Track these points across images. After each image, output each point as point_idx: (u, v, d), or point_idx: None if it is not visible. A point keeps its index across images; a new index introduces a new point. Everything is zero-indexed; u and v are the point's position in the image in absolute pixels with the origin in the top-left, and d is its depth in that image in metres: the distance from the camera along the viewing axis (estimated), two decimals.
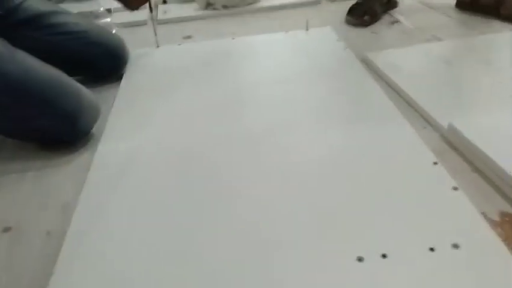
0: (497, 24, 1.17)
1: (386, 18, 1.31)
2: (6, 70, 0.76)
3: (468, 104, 0.81)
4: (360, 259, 0.53)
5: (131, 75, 1.07)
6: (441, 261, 0.52)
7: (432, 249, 0.54)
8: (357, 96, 0.89)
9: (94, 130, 0.87)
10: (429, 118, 0.79)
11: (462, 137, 0.70)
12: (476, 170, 0.67)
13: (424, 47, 1.08)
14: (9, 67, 0.77)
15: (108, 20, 1.18)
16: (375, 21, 1.28)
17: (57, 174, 0.77)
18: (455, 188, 0.63)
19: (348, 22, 1.29)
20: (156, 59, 1.16)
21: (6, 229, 0.66)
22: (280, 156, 0.74)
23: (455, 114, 0.77)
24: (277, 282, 0.52)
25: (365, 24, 1.26)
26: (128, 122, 0.89)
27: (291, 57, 1.09)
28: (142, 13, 1.50)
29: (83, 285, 0.55)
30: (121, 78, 1.06)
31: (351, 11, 1.29)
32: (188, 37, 1.31)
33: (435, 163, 0.68)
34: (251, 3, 1.49)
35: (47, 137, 0.84)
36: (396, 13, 1.33)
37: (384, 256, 0.54)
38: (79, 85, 0.84)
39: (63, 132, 0.82)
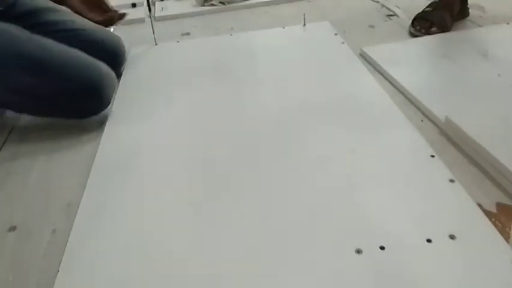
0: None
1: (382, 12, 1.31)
2: (27, 51, 0.82)
3: (465, 96, 0.82)
4: (358, 251, 0.55)
5: (130, 73, 1.08)
6: (438, 252, 0.54)
7: (429, 241, 0.55)
8: (354, 90, 0.89)
9: (95, 127, 0.88)
10: (427, 111, 0.80)
11: (459, 129, 0.71)
12: (473, 162, 0.68)
13: (421, 40, 1.08)
14: (29, 48, 0.82)
15: None
16: (447, 31, 1.11)
17: (61, 171, 0.78)
18: (452, 180, 0.64)
19: (412, 35, 1.13)
20: (155, 56, 1.17)
21: (12, 228, 0.67)
22: (280, 151, 0.75)
23: (452, 107, 0.78)
24: (277, 274, 0.54)
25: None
26: (129, 119, 0.90)
27: (288, 52, 1.10)
28: (140, 11, 1.51)
29: (89, 281, 0.56)
30: (120, 76, 1.06)
31: (416, 21, 1.13)
32: (187, 34, 1.32)
33: (432, 156, 0.69)
34: None
35: (74, 110, 0.89)
36: (392, 6, 1.33)
37: (382, 248, 0.55)
38: (93, 58, 0.89)
39: (89, 102, 0.87)
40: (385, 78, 0.94)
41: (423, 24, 1.12)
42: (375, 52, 1.02)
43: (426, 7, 1.16)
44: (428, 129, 0.76)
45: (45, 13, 0.98)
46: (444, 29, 1.10)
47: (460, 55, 0.98)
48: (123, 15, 1.13)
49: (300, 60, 1.05)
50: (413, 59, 1.00)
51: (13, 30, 0.84)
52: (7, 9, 0.90)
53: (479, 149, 0.67)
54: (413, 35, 1.13)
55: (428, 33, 1.10)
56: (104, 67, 0.90)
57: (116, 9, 1.14)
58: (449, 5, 1.13)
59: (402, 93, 0.88)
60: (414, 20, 1.15)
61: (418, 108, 0.82)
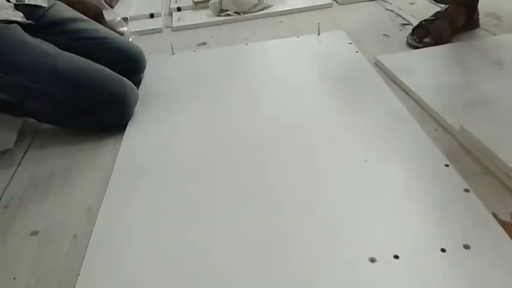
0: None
1: (396, 21, 1.32)
2: (58, 66, 0.86)
3: (479, 105, 0.82)
4: (372, 260, 0.55)
5: (149, 82, 1.11)
6: (452, 262, 0.54)
7: (443, 250, 0.55)
8: (368, 100, 0.90)
9: (114, 134, 0.91)
10: (441, 120, 0.80)
11: (473, 138, 0.71)
12: (488, 172, 0.68)
13: (435, 49, 1.08)
14: (60, 64, 0.87)
15: (125, 29, 1.21)
16: (441, 43, 1.09)
17: (82, 177, 0.81)
18: (467, 190, 0.64)
19: (407, 43, 1.13)
20: (172, 66, 1.19)
21: (34, 233, 0.70)
22: (295, 159, 0.76)
23: (467, 116, 0.78)
24: (289, 281, 0.54)
25: (426, 46, 1.09)
26: (147, 127, 0.92)
27: (303, 61, 1.11)
28: (158, 21, 1.54)
29: (109, 285, 0.58)
30: (139, 84, 1.09)
31: (415, 29, 1.13)
32: (203, 44, 1.34)
33: (446, 165, 0.69)
34: (263, 9, 1.51)
35: (98, 122, 0.93)
36: (407, 15, 1.34)
37: (396, 257, 0.55)
38: (118, 74, 0.94)
39: (113, 115, 0.92)
40: (399, 87, 0.95)
41: (420, 33, 1.11)
42: (390, 61, 1.02)
43: (430, 16, 1.14)
44: (442, 139, 0.77)
45: (70, 22, 1.02)
46: (438, 40, 1.08)
47: (474, 64, 0.97)
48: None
49: (315, 69, 1.06)
50: (427, 68, 1.00)
51: (44, 45, 0.88)
52: (36, 21, 0.94)
53: (493, 158, 0.67)
54: (408, 44, 1.13)
55: (421, 42, 1.09)
56: (128, 82, 0.94)
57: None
58: (451, 16, 1.11)
59: (417, 102, 0.88)
60: (414, 28, 1.14)
61: (432, 117, 0.83)
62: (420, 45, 1.10)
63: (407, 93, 0.91)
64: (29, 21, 0.92)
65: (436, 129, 0.79)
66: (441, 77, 0.95)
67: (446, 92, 0.88)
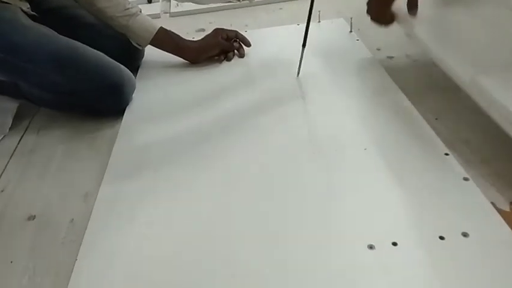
0: None
1: None
2: (56, 49, 0.86)
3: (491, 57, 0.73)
4: (371, 247, 0.55)
5: (146, 68, 1.10)
6: (450, 250, 0.54)
7: (442, 238, 0.55)
8: (368, 89, 0.89)
9: (113, 119, 0.91)
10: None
11: (485, 91, 0.65)
12: (487, 161, 0.68)
13: None
14: (58, 46, 0.86)
15: None
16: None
17: (79, 162, 0.81)
18: (466, 179, 0.64)
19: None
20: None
21: (31, 217, 0.69)
22: (294, 146, 0.76)
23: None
24: (289, 269, 0.54)
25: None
26: (146, 112, 0.92)
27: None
28: (155, 6, 1.53)
29: (106, 269, 0.58)
30: (137, 71, 1.08)
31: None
32: (202, 30, 1.32)
33: (446, 154, 0.69)
34: None
35: (95, 107, 0.92)
36: None
37: (394, 244, 0.55)
38: (115, 61, 0.92)
39: (109, 102, 0.91)
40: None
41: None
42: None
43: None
44: (442, 127, 0.76)
45: (70, 9, 1.01)
46: None
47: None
48: None
49: (315, 57, 1.05)
50: None
51: (43, 29, 0.87)
52: (36, 6, 0.93)
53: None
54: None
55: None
56: (125, 70, 0.93)
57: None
58: None
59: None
60: None
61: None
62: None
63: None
64: (33, 13, 0.92)
65: (437, 118, 0.79)
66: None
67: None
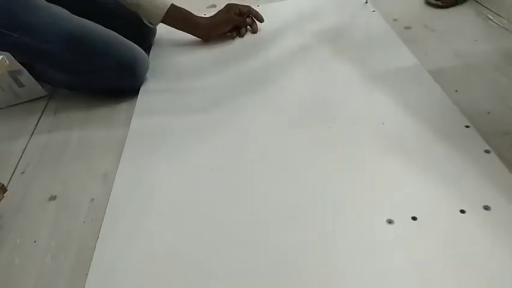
0: None
1: None
2: (69, 29, 0.85)
3: None
4: (390, 221, 0.55)
5: (160, 46, 1.09)
6: (472, 223, 0.53)
7: (463, 211, 0.54)
8: (386, 61, 0.87)
9: (129, 98, 0.91)
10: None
11: None
12: (507, 131, 0.66)
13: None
14: (71, 26, 0.86)
15: None
16: (459, 3, 1.04)
17: (97, 142, 0.81)
18: (487, 151, 0.62)
19: (426, 1, 1.08)
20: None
21: (52, 197, 0.71)
22: (312, 123, 0.75)
23: None
24: (309, 244, 0.55)
25: (445, 5, 1.04)
26: (161, 91, 0.91)
27: (318, 22, 1.07)
28: None
29: (128, 246, 0.59)
30: (150, 49, 1.07)
31: None
32: (213, 6, 1.30)
33: (467, 126, 0.67)
34: None
35: (109, 87, 0.92)
36: None
37: (414, 218, 0.55)
38: (128, 40, 0.92)
39: (124, 82, 0.91)
40: None
41: None
42: None
43: None
44: (462, 100, 0.74)
45: None
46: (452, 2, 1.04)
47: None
48: None
49: (330, 29, 1.02)
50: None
51: (55, 8, 0.86)
52: None
53: None
54: (426, 2, 1.08)
55: (440, 0, 1.04)
56: (138, 48, 0.93)
57: None
58: None
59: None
60: None
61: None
62: (439, 3, 1.05)
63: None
64: None
65: (456, 90, 0.77)
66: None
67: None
